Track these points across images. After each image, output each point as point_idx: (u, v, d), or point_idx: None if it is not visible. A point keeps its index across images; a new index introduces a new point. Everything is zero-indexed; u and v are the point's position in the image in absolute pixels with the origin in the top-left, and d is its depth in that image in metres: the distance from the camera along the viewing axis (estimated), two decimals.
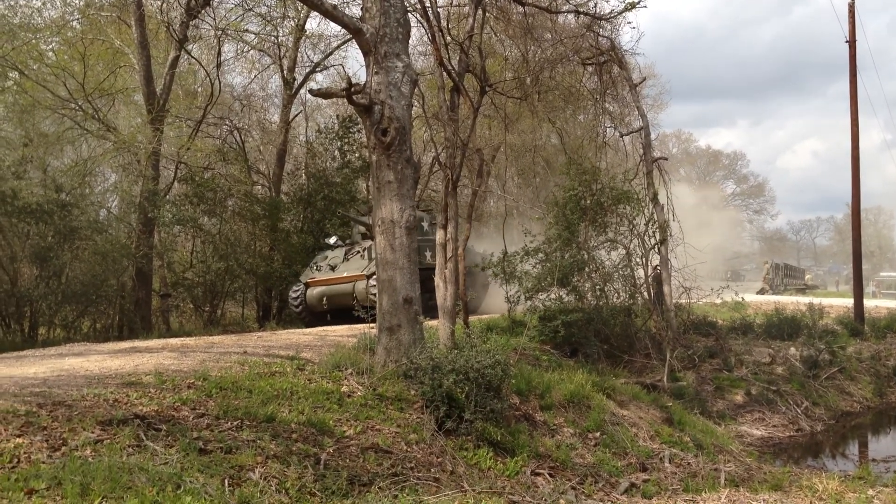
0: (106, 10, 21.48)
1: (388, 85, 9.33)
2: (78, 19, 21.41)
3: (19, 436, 5.12)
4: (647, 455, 9.94)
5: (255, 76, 29.63)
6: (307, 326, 18.06)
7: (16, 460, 4.68)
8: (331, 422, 6.97)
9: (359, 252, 18.73)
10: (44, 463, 4.66)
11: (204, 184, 21.64)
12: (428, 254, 17.81)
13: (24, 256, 17.41)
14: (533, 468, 7.94)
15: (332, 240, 20.20)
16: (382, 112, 9.28)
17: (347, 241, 20.15)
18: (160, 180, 21.69)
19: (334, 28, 28.26)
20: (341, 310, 18.41)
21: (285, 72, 26.12)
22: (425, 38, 19.89)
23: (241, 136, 26.43)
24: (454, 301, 11.67)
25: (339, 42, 26.63)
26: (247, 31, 24.43)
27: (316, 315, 18.93)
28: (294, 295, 19.11)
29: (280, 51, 26.00)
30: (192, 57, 23.29)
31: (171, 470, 4.65)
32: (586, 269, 16.11)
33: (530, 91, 16.36)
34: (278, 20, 23.98)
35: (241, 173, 24.83)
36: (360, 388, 8.36)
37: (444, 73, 12.08)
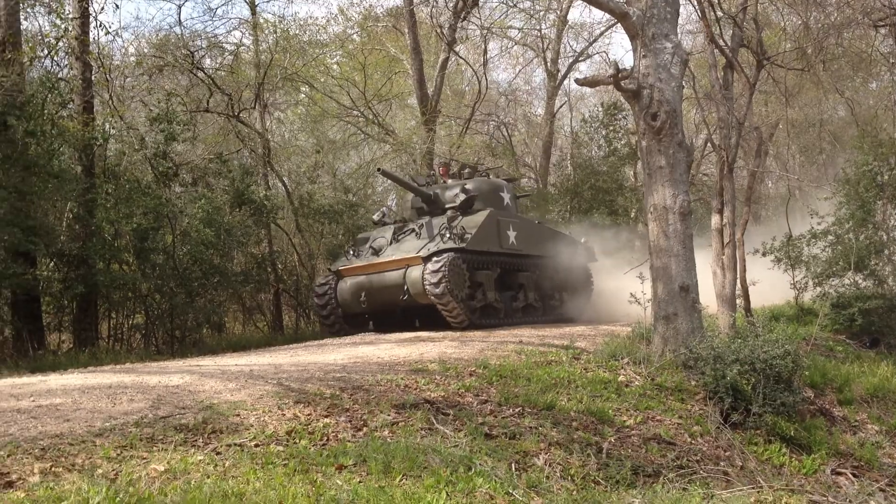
0: (382, 20, 22.94)
1: (656, 67, 9.08)
2: (357, 32, 23.13)
3: (326, 416, 5.62)
4: None
5: (520, 71, 30.21)
6: (336, 334, 13.40)
7: (325, 438, 5.13)
8: (610, 411, 6.93)
9: (413, 230, 13.41)
10: (349, 441, 5.08)
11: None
12: (511, 234, 13.80)
13: (319, 254, 19.09)
14: (833, 467, 7.35)
15: (378, 215, 14.88)
16: (651, 96, 9.04)
17: (398, 219, 14.82)
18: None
19: (597, 15, 28.06)
20: (387, 310, 13.69)
21: (549, 64, 26.34)
22: (694, 16, 19.08)
23: (507, 131, 27.06)
24: (733, 288, 11.11)
25: (603, 29, 26.36)
26: (510, 27, 24.95)
27: (352, 319, 13.69)
28: (320, 291, 13.62)
29: (543, 43, 26.25)
30: (460, 57, 24.18)
31: (462, 452, 4.87)
32: (886, 251, 14.64)
33: (813, 61, 15.10)
34: (541, 13, 24.21)
35: (510, 167, 25.41)
36: (638, 377, 8.23)
37: (716, 50, 11.52)
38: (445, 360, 8.33)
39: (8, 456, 4.07)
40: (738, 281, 11.52)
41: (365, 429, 5.44)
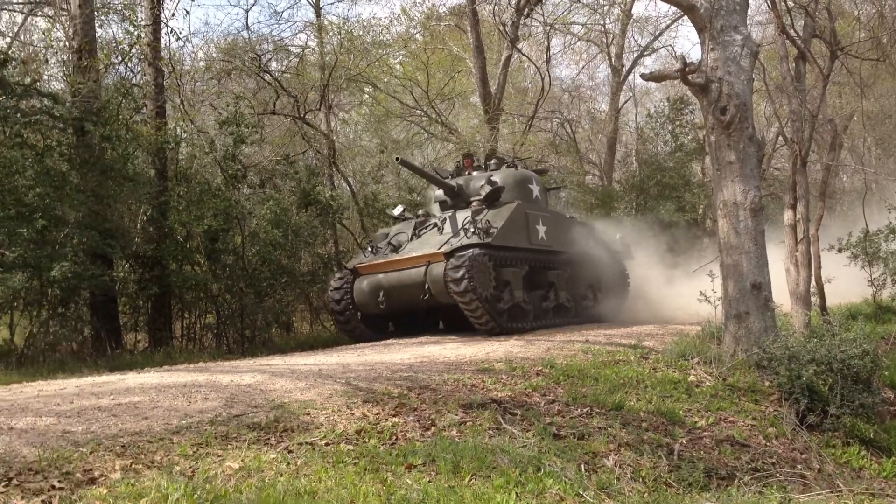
0: (444, 20, 23.00)
1: (725, 60, 8.89)
2: (420, 32, 23.21)
3: (395, 415, 5.66)
4: None
5: (583, 67, 29.94)
6: (357, 339, 12.69)
7: (394, 437, 5.17)
8: (680, 412, 6.82)
9: (435, 224, 12.52)
10: (418, 441, 5.11)
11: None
12: (541, 228, 12.88)
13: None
14: None
15: (398, 210, 13.98)
16: (720, 90, 8.86)
17: (420, 213, 13.62)
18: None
19: (663, 8, 27.64)
20: (408, 311, 12.98)
21: (613, 59, 26.05)
22: (764, 7, 18.64)
23: (571, 128, 26.85)
24: (808, 286, 10.82)
25: (669, 22, 25.95)
26: (574, 22, 24.75)
27: (370, 321, 12.83)
28: (335, 288, 12.68)
29: (607, 38, 25.99)
30: (523, 54, 24.07)
31: (530, 453, 4.86)
32: None
33: (889, 50, 14.61)
34: (606, 8, 23.95)
35: (574, 164, 25.22)
36: (709, 377, 8.08)
37: (787, 41, 11.23)
38: (511, 359, 8.32)
39: (90, 453, 4.21)
40: (813, 278, 11.22)
41: (433, 428, 5.46)
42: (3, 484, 3.68)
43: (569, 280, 13.72)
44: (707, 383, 7.92)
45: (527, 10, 19.54)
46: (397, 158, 13.47)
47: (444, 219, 12.41)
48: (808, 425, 7.31)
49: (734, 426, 6.83)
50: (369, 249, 12.75)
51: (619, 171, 26.89)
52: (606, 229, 15.60)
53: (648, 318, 14.42)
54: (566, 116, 27.33)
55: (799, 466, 6.26)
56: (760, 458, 6.19)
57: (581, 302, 14.24)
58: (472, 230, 11.50)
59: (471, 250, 11.11)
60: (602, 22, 25.00)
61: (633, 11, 25.18)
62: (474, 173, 13.71)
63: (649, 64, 31.51)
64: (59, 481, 3.77)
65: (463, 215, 12.18)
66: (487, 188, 12.59)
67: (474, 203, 12.58)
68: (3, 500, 3.52)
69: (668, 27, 26.39)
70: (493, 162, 14.28)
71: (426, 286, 11.57)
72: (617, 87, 26.54)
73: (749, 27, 9.32)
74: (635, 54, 26.96)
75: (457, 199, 13.28)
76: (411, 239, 12.48)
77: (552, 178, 24.06)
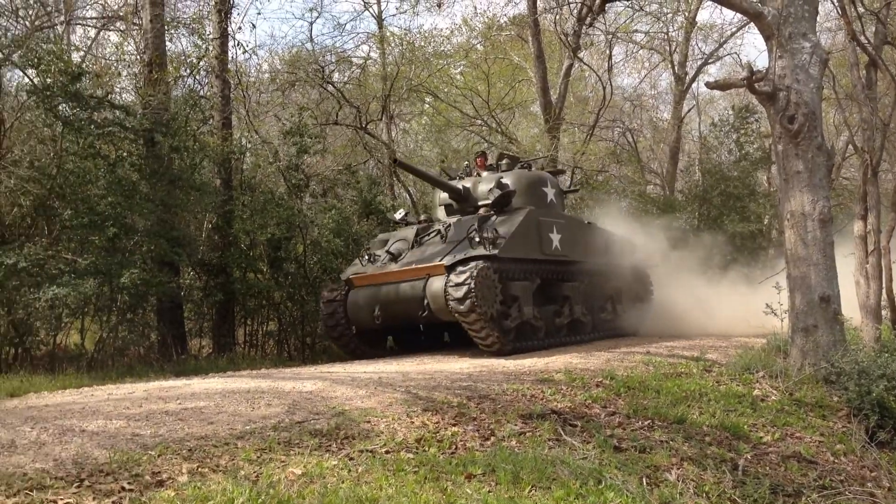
0: (505, 29, 23.03)
1: (793, 68, 8.71)
2: (481, 42, 23.27)
3: (454, 425, 5.68)
4: None
5: (646, 75, 29.64)
6: (354, 356, 11.64)
7: (453, 447, 5.19)
8: (745, 426, 6.68)
9: (438, 232, 11.36)
10: (477, 450, 5.11)
11: (599, 187, 22.15)
12: (555, 237, 11.63)
13: None
14: None
15: (400, 214, 12.76)
16: (788, 98, 8.69)
17: (423, 219, 12.71)
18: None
19: (728, 15, 27.22)
20: (408, 326, 12.05)
21: (676, 67, 25.73)
22: (833, 14, 18.21)
23: (633, 137, 26.58)
24: (878, 299, 10.50)
25: (734, 30, 25.54)
26: (636, 31, 24.54)
27: (366, 336, 11.79)
28: (328, 301, 11.57)
29: (670, 46, 25.68)
30: (584, 63, 23.96)
31: (591, 465, 4.82)
32: None
33: None
34: (669, 16, 23.69)
35: (635, 174, 24.96)
36: (775, 392, 7.91)
37: (858, 48, 10.95)
38: (571, 370, 8.27)
39: (158, 456, 4.32)
40: (884, 291, 10.88)
41: (492, 438, 5.46)
42: (76, 485, 3.80)
43: (585, 292, 12.62)
44: (773, 398, 7.75)
45: (589, 19, 19.42)
46: (394, 160, 12.45)
47: (449, 225, 11.31)
48: (877, 442, 7.08)
49: (801, 442, 6.66)
50: (366, 258, 11.63)
51: (681, 181, 26.55)
52: (629, 234, 14.33)
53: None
54: (628, 125, 27.09)
55: (868, 484, 6.08)
56: (828, 475, 6.02)
57: (599, 315, 13.12)
58: (477, 240, 10.36)
59: (475, 263, 10.02)
60: (665, 30, 24.73)
61: (697, 19, 24.84)
62: (484, 174, 12.62)
63: (713, 72, 31.01)
64: (129, 483, 3.88)
65: (468, 222, 11.08)
66: (496, 192, 11.56)
67: (483, 208, 11.69)
68: (75, 500, 3.64)
69: (733, 34, 25.99)
70: (504, 162, 13.04)
71: (425, 302, 10.39)
72: (680, 95, 26.20)
73: (818, 34, 9.11)
74: (699, 62, 26.62)
75: (463, 203, 12.22)
76: (412, 247, 11.37)
77: (612, 186, 23.91)
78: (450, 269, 10.17)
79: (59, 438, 4.68)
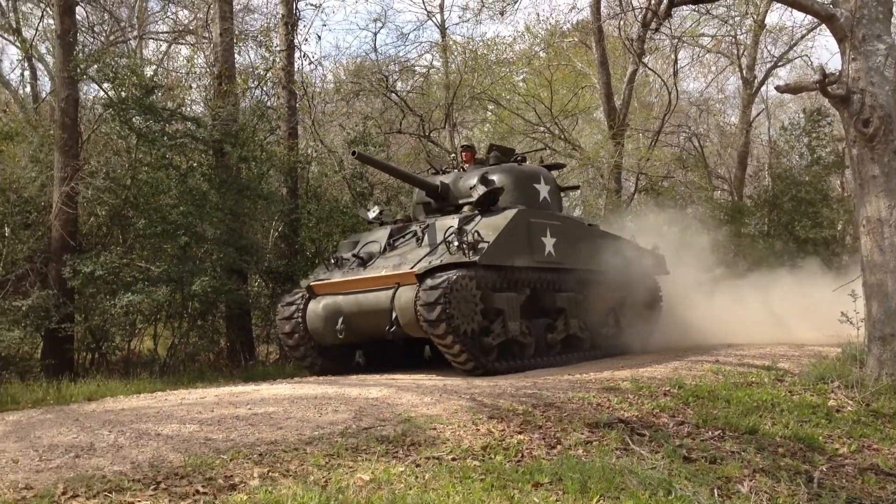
0: (568, 36, 22.93)
1: (867, 71, 8.46)
2: (543, 49, 23.22)
3: (520, 432, 5.66)
4: None
5: (713, 79, 29.13)
6: (316, 371, 10.28)
7: (520, 455, 5.17)
8: (820, 438, 6.50)
9: (414, 233, 10.03)
10: (544, 459, 5.09)
11: (664, 193, 21.86)
12: (548, 241, 10.23)
13: None
14: None
15: (373, 213, 11.13)
16: (863, 101, 8.44)
17: (400, 218, 11.40)
18: (622, 192, 22.43)
19: (798, 17, 26.60)
20: (377, 342, 10.33)
21: (744, 70, 25.22)
22: None
23: (699, 142, 26.14)
24: None
25: (805, 32, 24.91)
26: (703, 34, 24.14)
27: (332, 351, 10.29)
28: (285, 314, 10.19)
29: (738, 50, 25.18)
30: (649, 69, 23.68)
31: (660, 475, 4.75)
32: None
33: None
34: (737, 19, 23.25)
35: (702, 179, 24.56)
36: (850, 402, 7.67)
37: None
38: (637, 378, 8.18)
39: (230, 460, 4.41)
40: None
41: (559, 446, 5.43)
42: (152, 487, 3.91)
43: (584, 304, 11.02)
44: (848, 408, 7.52)
45: (654, 24, 19.22)
46: (353, 152, 10.97)
47: (427, 226, 9.95)
48: None
49: (879, 454, 6.44)
50: (332, 262, 10.27)
51: (749, 186, 25.99)
52: (637, 238, 12.71)
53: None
54: (694, 130, 26.62)
55: None
56: None
57: (599, 330, 11.47)
58: (456, 244, 9.04)
59: (451, 272, 8.73)
60: (733, 33, 24.26)
61: (766, 21, 24.31)
62: (469, 168, 11.27)
63: (783, 75, 30.25)
64: (203, 486, 3.97)
65: (447, 224, 9.80)
66: (481, 189, 10.23)
67: (466, 207, 10.41)
68: (152, 502, 3.74)
69: (803, 37, 25.34)
70: (492, 155, 11.57)
71: (393, 315, 9.05)
72: (748, 99, 25.67)
73: (893, 36, 8.85)
74: (768, 65, 26.00)
75: (442, 201, 10.93)
76: (384, 251, 9.98)
77: (678, 192, 23.55)
78: (422, 277, 8.90)
79: (135, 442, 4.82)
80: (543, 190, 11.14)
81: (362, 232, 11.35)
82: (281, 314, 10.26)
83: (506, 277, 9.59)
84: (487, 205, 10.12)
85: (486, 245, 9.09)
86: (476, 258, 8.93)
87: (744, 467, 5.40)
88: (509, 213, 9.80)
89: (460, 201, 10.67)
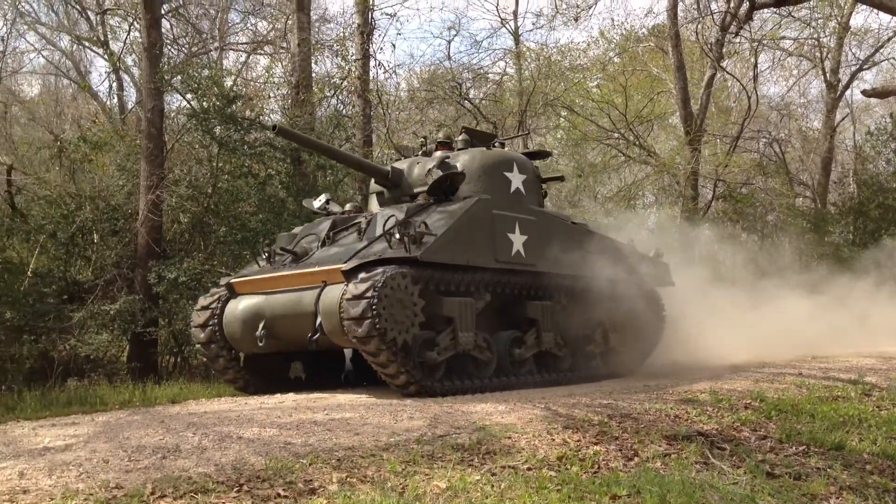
0: (644, 41, 22.65)
1: None
2: (618, 54, 22.98)
3: (596, 443, 5.60)
4: None
5: (794, 83, 28.35)
6: (241, 387, 8.79)
7: (596, 466, 5.11)
8: None
9: (357, 225, 8.57)
10: (621, 471, 5.02)
11: (743, 200, 21.38)
12: (517, 238, 8.71)
13: None
14: None
15: (319, 202, 9.91)
16: None
17: (348, 208, 9.58)
18: (699, 199, 22.00)
19: (884, 19, 25.68)
20: (306, 351, 8.52)
21: (828, 74, 24.47)
22: None
23: (780, 148, 25.47)
24: None
25: (891, 34, 24.05)
26: (784, 37, 23.55)
27: (256, 362, 8.80)
28: (200, 318, 8.57)
29: (821, 53, 24.45)
30: (728, 73, 23.20)
31: (743, 491, 4.64)
32: None
33: None
34: (820, 21, 22.60)
35: (783, 186, 23.92)
36: None
37: None
38: (717, 390, 8.02)
39: (310, 464, 4.49)
40: None
41: (636, 458, 5.35)
42: (236, 490, 4.01)
43: (562, 316, 9.35)
44: None
45: (734, 27, 18.83)
46: (273, 127, 9.42)
47: (373, 217, 8.49)
48: None
49: None
50: (265, 256, 8.66)
51: (833, 193, 25.20)
52: (636, 241, 10.97)
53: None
54: (774, 136, 25.94)
55: None
56: None
57: (582, 348, 9.74)
58: (397, 237, 7.61)
59: (385, 268, 7.29)
60: (816, 35, 23.58)
61: (850, 23, 23.56)
62: (437, 154, 9.49)
63: (869, 79, 29.19)
64: (284, 490, 4.05)
65: (388, 213, 8.39)
66: (437, 173, 8.67)
67: (421, 196, 8.99)
68: None
69: (889, 39, 24.45)
70: (460, 138, 9.86)
71: (318, 320, 7.52)
72: (832, 103, 24.89)
73: None
74: (853, 68, 25.17)
75: (396, 190, 9.46)
76: (323, 244, 8.49)
77: (758, 199, 22.95)
78: (349, 274, 7.43)
79: (218, 444, 4.94)
80: (516, 179, 9.45)
81: (305, 224, 9.67)
82: (194, 321, 8.66)
83: (458, 278, 8.12)
84: (444, 192, 8.73)
85: (432, 237, 7.71)
86: (418, 253, 7.51)
87: (830, 484, 5.25)
88: (467, 202, 8.44)
89: (415, 190, 9.19)
